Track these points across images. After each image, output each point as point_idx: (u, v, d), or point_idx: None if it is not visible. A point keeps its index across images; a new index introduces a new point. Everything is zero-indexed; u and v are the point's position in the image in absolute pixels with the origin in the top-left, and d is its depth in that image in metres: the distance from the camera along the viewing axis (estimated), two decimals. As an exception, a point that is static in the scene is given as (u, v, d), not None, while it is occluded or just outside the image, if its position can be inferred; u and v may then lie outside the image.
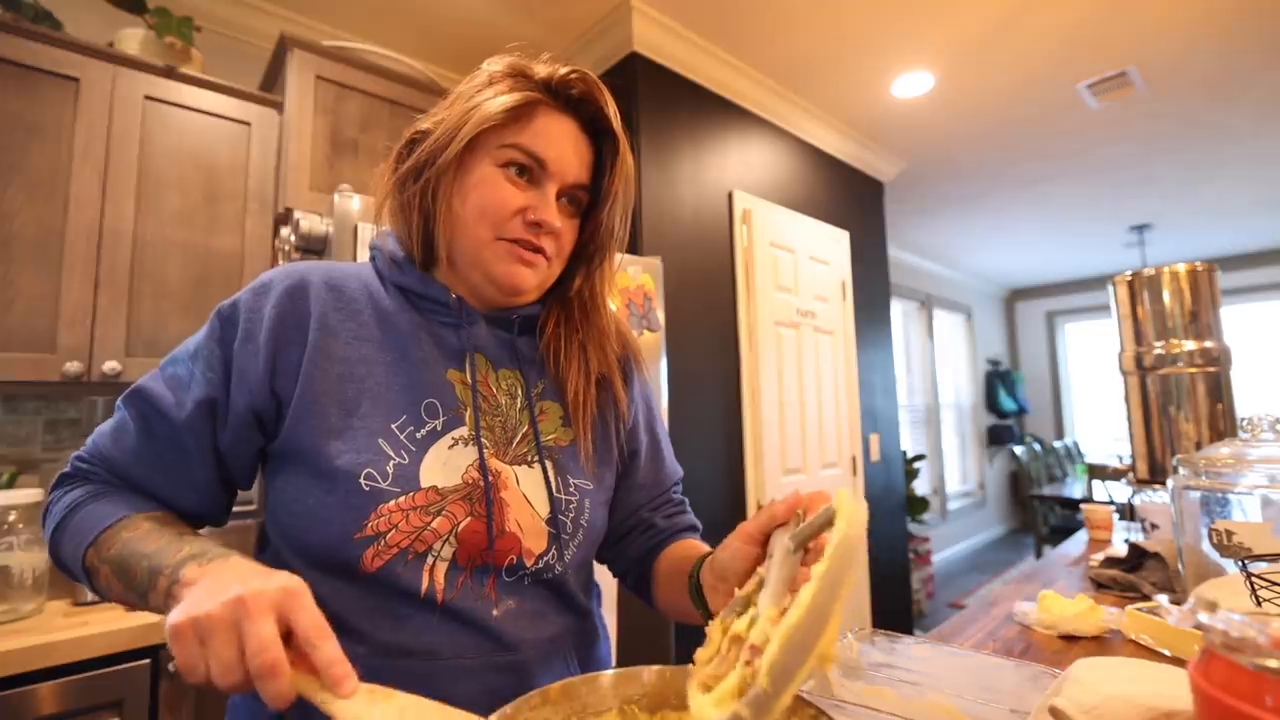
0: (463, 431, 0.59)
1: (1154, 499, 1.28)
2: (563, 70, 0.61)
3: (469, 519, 0.56)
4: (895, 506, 3.17)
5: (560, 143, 0.60)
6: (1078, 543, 1.53)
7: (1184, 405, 1.28)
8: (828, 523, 0.41)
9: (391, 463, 0.55)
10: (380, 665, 0.52)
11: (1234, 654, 0.26)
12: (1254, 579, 0.66)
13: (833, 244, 2.87)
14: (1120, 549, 1.25)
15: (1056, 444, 6.02)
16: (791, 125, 2.76)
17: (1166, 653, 0.79)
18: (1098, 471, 4.26)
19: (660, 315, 1.85)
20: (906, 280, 5.21)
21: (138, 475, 0.56)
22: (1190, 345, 1.27)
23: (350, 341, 0.59)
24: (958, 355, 6.12)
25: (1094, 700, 0.44)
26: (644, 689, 0.46)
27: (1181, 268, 1.30)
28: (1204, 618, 0.28)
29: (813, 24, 2.21)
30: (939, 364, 5.54)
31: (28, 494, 1.30)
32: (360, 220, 1.35)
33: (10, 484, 1.43)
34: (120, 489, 0.56)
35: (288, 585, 0.40)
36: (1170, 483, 0.91)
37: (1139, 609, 0.86)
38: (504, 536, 0.58)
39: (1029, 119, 2.94)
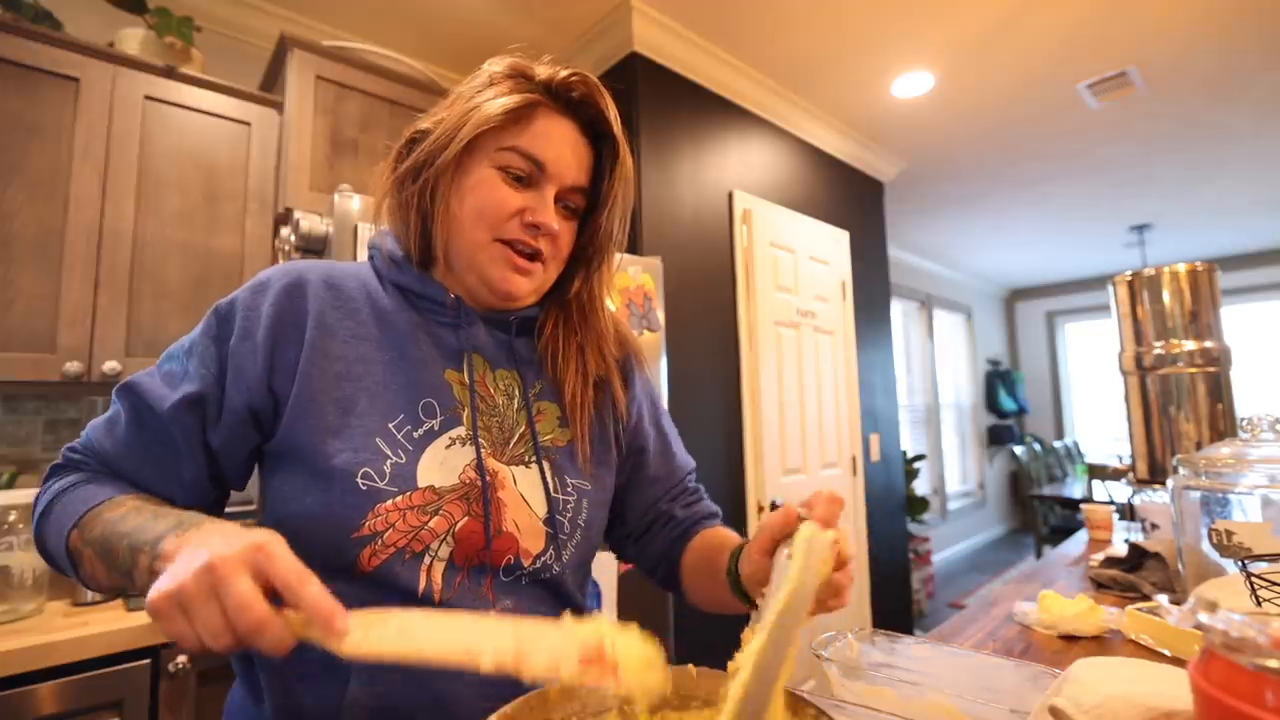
0: (460, 431, 0.59)
1: (1154, 499, 1.28)
2: (563, 72, 0.61)
3: (466, 519, 0.56)
4: (895, 506, 3.17)
5: (559, 145, 0.60)
6: (1078, 543, 1.53)
7: (1184, 405, 1.28)
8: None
9: (389, 462, 0.55)
10: (377, 664, 0.52)
11: (1234, 654, 0.26)
12: (1254, 579, 0.66)
13: (833, 244, 2.87)
14: (1120, 549, 1.25)
15: (1056, 444, 6.02)
16: (791, 125, 2.76)
17: (1166, 653, 0.79)
18: (1098, 471, 4.26)
19: (660, 315, 1.85)
20: (906, 280, 5.21)
21: (127, 467, 0.56)
22: (1190, 345, 1.27)
23: (348, 340, 0.59)
24: (958, 355, 6.12)
25: (1094, 700, 0.44)
26: (643, 689, 0.46)
27: (1181, 268, 1.30)
28: (1204, 618, 0.28)
29: (813, 24, 2.21)
30: (939, 364, 5.54)
31: (28, 494, 1.30)
32: (360, 220, 1.35)
33: (10, 484, 1.43)
34: (110, 477, 0.56)
35: (256, 540, 0.39)
36: (1170, 483, 0.91)
37: (1139, 609, 0.86)
38: (501, 536, 0.58)
39: (1029, 119, 2.94)
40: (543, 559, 0.60)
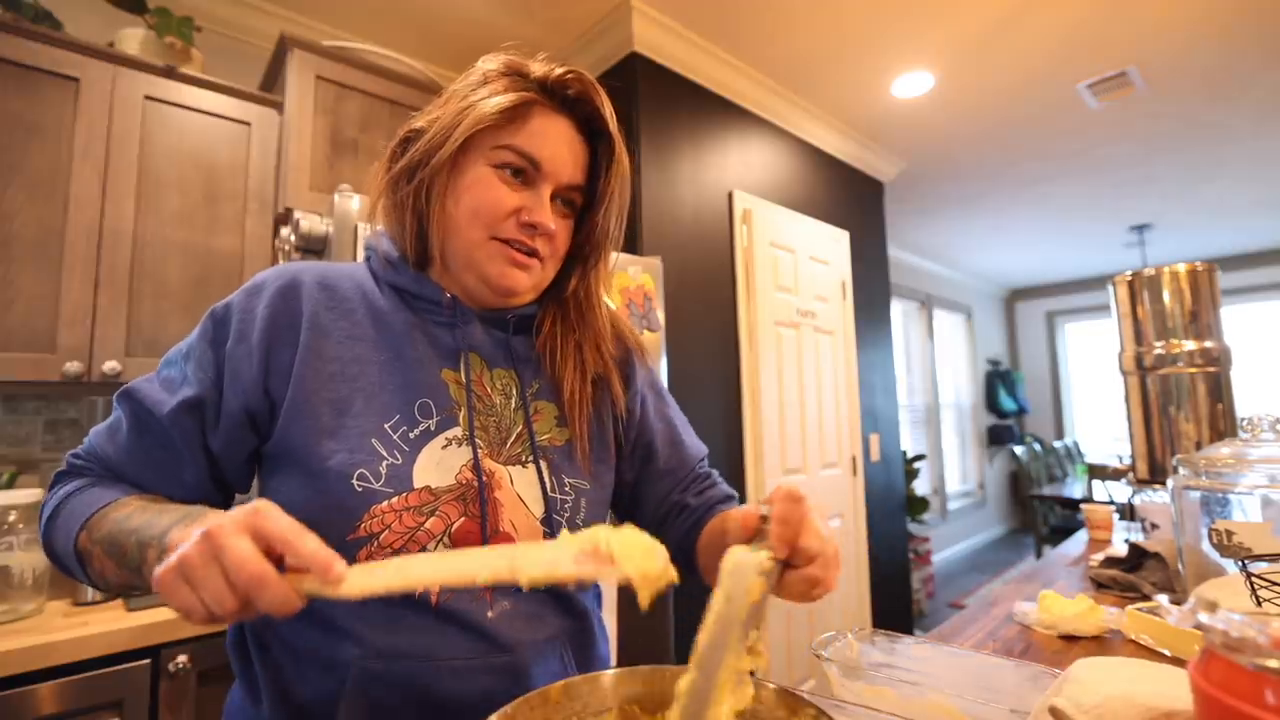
0: (457, 431, 0.59)
1: (1154, 499, 1.28)
2: (558, 70, 0.60)
3: (463, 519, 0.56)
4: (895, 506, 3.17)
5: (555, 143, 0.60)
6: (1078, 543, 1.53)
7: (1184, 405, 1.28)
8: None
9: (384, 463, 0.55)
10: (376, 667, 0.52)
11: (1234, 654, 0.26)
12: (1254, 579, 0.66)
13: (833, 244, 2.87)
14: (1120, 549, 1.25)
15: (1056, 444, 6.02)
16: (791, 125, 2.76)
17: (1166, 653, 0.79)
18: (1098, 471, 4.26)
19: (660, 315, 1.85)
20: (906, 280, 5.21)
21: (130, 472, 0.56)
22: (1190, 345, 1.27)
23: (343, 341, 0.58)
24: (958, 355, 6.11)
25: (1094, 700, 0.44)
26: (644, 689, 0.46)
27: (1181, 268, 1.30)
28: (1204, 618, 0.28)
29: (813, 24, 2.21)
30: (939, 364, 5.54)
31: (28, 494, 1.30)
32: (360, 220, 1.35)
33: (10, 484, 1.43)
34: (114, 481, 0.56)
35: (250, 507, 0.40)
36: (1170, 483, 0.91)
37: (1139, 609, 0.86)
38: (498, 537, 0.58)
39: (1029, 119, 2.94)
40: (542, 559, 0.60)
